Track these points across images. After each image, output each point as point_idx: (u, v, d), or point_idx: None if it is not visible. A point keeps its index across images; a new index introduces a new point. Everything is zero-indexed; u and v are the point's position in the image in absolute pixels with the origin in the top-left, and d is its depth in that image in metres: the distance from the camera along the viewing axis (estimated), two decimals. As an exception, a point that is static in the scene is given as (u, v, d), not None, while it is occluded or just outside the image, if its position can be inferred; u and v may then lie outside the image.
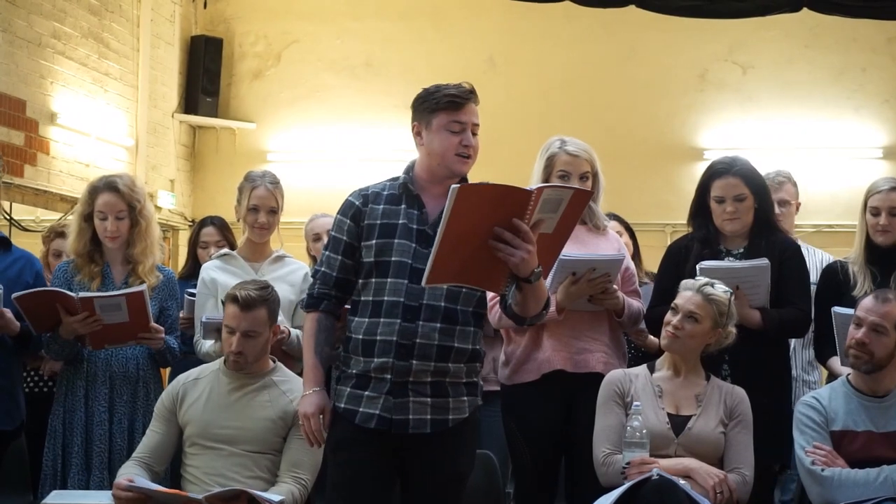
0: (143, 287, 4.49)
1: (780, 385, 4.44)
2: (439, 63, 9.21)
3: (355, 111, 9.87)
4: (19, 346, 4.61)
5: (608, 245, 4.45)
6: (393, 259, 3.55)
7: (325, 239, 3.78)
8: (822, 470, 3.91)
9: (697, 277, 4.15)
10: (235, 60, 10.25)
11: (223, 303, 4.21)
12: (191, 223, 9.66)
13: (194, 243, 5.95)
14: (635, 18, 8.48)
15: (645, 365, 4.19)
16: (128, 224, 4.65)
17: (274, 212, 4.79)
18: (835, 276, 4.59)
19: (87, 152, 8.64)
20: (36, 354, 4.88)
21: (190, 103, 10.00)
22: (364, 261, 3.61)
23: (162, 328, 4.57)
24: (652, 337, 4.65)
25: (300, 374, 4.47)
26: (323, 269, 3.68)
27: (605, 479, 3.95)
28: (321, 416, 3.58)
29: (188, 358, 4.85)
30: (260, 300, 4.07)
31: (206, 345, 4.61)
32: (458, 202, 3.15)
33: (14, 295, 4.36)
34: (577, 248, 4.33)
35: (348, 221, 3.65)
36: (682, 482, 3.71)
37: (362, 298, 3.59)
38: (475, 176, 3.83)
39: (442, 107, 3.57)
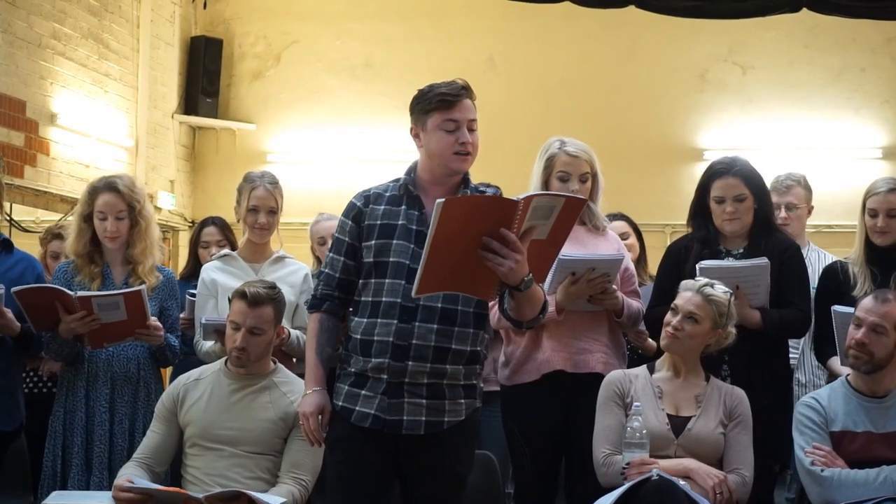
0: (142, 287, 4.49)
1: (780, 385, 4.44)
2: (439, 64, 9.21)
3: (355, 112, 9.87)
4: (20, 347, 4.61)
5: (607, 245, 4.45)
6: (391, 260, 3.56)
7: (331, 242, 3.79)
8: (822, 470, 3.91)
9: (697, 278, 4.14)
10: (235, 61, 10.26)
11: (230, 300, 4.20)
12: (191, 224, 9.67)
13: (195, 244, 5.95)
14: (635, 19, 8.49)
15: (645, 366, 4.19)
16: (127, 224, 4.65)
17: (274, 212, 4.79)
18: (835, 276, 4.59)
19: (87, 153, 8.64)
20: (36, 355, 4.88)
21: (190, 104, 10.01)
22: (364, 261, 3.62)
23: (160, 325, 4.57)
24: (651, 340, 4.65)
25: (300, 375, 4.49)
26: (326, 270, 3.70)
27: (604, 479, 3.95)
28: (320, 416, 3.58)
29: (189, 358, 4.86)
30: (268, 298, 4.09)
31: (207, 345, 4.62)
32: (444, 215, 3.15)
33: (14, 289, 4.36)
34: (577, 248, 4.33)
35: (350, 222, 3.67)
36: (681, 483, 3.71)
37: (362, 299, 3.60)
38: (476, 176, 3.84)
39: (434, 107, 3.56)
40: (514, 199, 3.23)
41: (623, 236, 5.29)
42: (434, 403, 3.56)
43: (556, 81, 9.60)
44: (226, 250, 5.12)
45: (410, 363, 3.52)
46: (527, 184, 4.46)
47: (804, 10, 7.73)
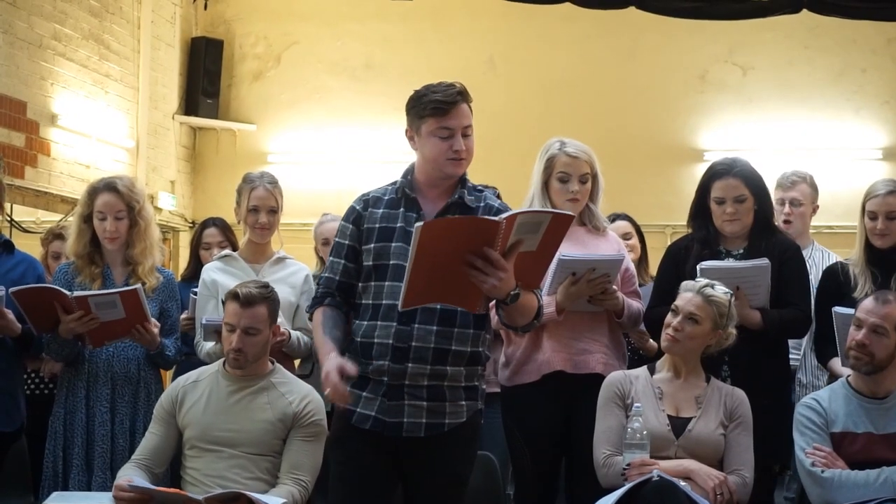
0: (138, 286, 4.48)
1: (780, 386, 4.44)
2: (439, 64, 9.20)
3: (355, 113, 9.87)
4: (21, 348, 4.61)
5: (608, 246, 4.45)
6: (391, 262, 3.56)
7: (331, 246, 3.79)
8: (823, 471, 3.91)
9: (698, 279, 4.14)
10: (236, 62, 10.26)
11: (223, 302, 4.21)
12: (191, 225, 9.67)
13: (196, 245, 5.95)
14: (635, 20, 8.50)
15: (645, 366, 4.19)
16: (127, 224, 4.65)
17: (274, 211, 4.79)
18: (835, 277, 4.59)
19: (88, 154, 8.64)
20: (37, 356, 4.88)
21: (190, 105, 10.01)
22: (364, 264, 3.62)
23: (157, 326, 4.55)
24: (652, 341, 4.65)
25: (301, 376, 4.49)
26: (327, 273, 3.70)
27: (605, 480, 3.95)
28: (341, 375, 3.45)
29: (190, 359, 4.86)
30: (260, 297, 4.07)
31: (207, 346, 4.62)
32: (423, 237, 3.16)
33: (12, 289, 4.36)
34: (577, 248, 4.33)
35: (350, 226, 3.67)
36: (682, 483, 3.71)
37: (363, 302, 3.61)
38: (476, 177, 3.84)
39: (429, 113, 3.55)
40: (496, 218, 3.23)
41: (625, 236, 5.29)
42: (434, 405, 3.57)
43: (556, 82, 9.60)
44: (227, 251, 5.12)
45: (410, 365, 3.52)
46: (527, 185, 4.47)
47: (804, 10, 7.75)
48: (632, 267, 4.59)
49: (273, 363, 4.20)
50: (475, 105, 3.66)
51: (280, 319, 4.56)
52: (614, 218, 5.43)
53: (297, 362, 5.01)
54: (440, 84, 3.59)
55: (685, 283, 4.12)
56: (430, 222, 3.24)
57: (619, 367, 4.31)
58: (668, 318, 4.05)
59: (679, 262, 4.45)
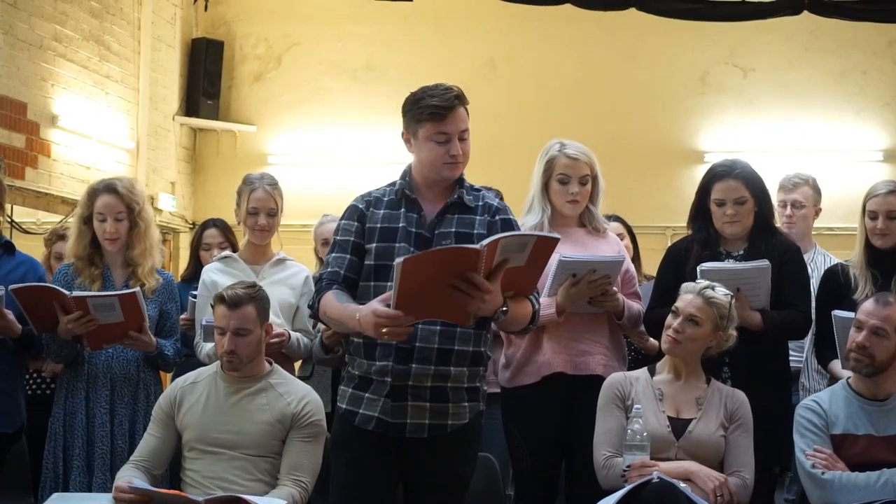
0: (137, 289, 4.48)
1: (780, 387, 4.44)
2: (440, 66, 9.21)
3: (356, 114, 9.87)
4: (21, 349, 4.61)
5: (608, 247, 4.45)
6: (394, 263, 3.54)
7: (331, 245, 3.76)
8: (823, 473, 3.91)
9: (698, 280, 4.14)
10: (236, 63, 10.27)
11: (212, 306, 4.20)
12: (191, 226, 9.68)
13: (196, 246, 5.95)
14: (636, 21, 8.50)
15: (645, 368, 4.18)
16: (127, 226, 4.65)
17: (273, 213, 4.78)
18: (836, 278, 4.59)
19: (88, 155, 8.65)
20: (38, 357, 4.88)
21: (191, 106, 10.01)
22: (365, 264, 3.62)
23: (149, 332, 4.54)
24: (652, 340, 4.65)
25: (300, 377, 4.49)
26: (331, 268, 3.64)
27: (605, 481, 3.94)
28: (378, 312, 3.31)
29: (190, 360, 4.85)
30: (247, 298, 4.06)
31: (207, 347, 4.61)
32: (404, 274, 3.16)
33: (11, 287, 4.36)
34: (578, 249, 4.33)
35: (355, 223, 3.66)
36: (682, 485, 3.71)
37: (363, 301, 3.54)
38: (477, 178, 3.85)
39: (426, 118, 3.54)
40: (476, 246, 3.22)
41: (619, 239, 5.28)
42: (438, 407, 3.57)
43: (557, 84, 9.60)
44: (226, 252, 5.12)
45: (414, 366, 3.52)
46: (527, 186, 4.46)
47: (805, 12, 7.75)
48: (632, 268, 4.59)
49: (271, 364, 4.19)
50: (475, 106, 3.66)
51: (280, 320, 4.57)
52: (606, 220, 5.42)
53: (297, 364, 5.00)
54: (437, 87, 3.58)
55: (685, 285, 4.12)
56: (410, 258, 3.22)
57: (619, 369, 4.30)
58: (669, 319, 4.05)
59: (679, 264, 4.45)
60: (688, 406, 4.03)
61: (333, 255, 3.68)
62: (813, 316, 4.57)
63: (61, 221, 7.64)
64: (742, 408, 4.03)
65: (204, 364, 4.48)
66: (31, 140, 7.95)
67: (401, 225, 3.61)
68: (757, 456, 4.00)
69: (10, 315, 4.42)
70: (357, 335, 3.59)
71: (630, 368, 4.38)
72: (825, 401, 4.08)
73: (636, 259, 5.62)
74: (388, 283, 3.52)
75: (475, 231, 3.62)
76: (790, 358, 4.75)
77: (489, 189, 3.92)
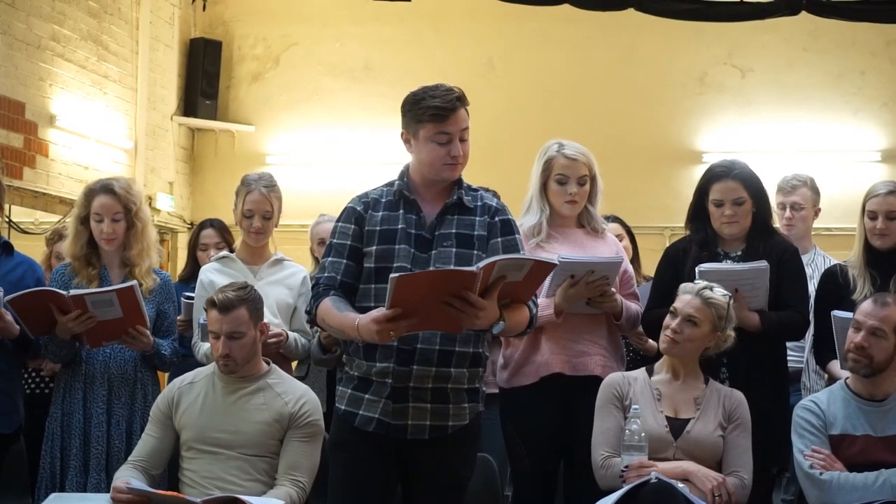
0: (134, 283, 4.47)
1: (778, 388, 4.43)
2: (438, 66, 9.21)
3: (354, 114, 9.87)
4: (19, 350, 4.61)
5: (606, 248, 4.45)
6: (394, 265, 3.53)
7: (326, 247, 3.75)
8: (821, 474, 3.91)
9: (696, 281, 4.14)
10: (234, 63, 10.26)
11: (205, 309, 4.19)
12: (189, 226, 9.67)
13: (194, 246, 5.95)
14: (634, 22, 8.50)
15: (643, 368, 4.18)
16: (124, 226, 4.64)
17: (269, 216, 4.76)
18: (834, 279, 4.59)
19: (86, 155, 8.64)
20: (37, 357, 4.87)
21: (189, 106, 10.01)
22: (364, 266, 3.60)
23: (147, 330, 4.54)
24: (651, 341, 4.65)
25: (296, 377, 4.49)
26: (327, 273, 3.62)
27: (603, 482, 3.94)
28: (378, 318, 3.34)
29: (187, 361, 4.85)
30: (238, 300, 4.04)
31: (205, 347, 4.60)
32: (398, 290, 3.18)
33: (6, 298, 4.35)
34: (576, 250, 4.33)
35: (352, 226, 3.63)
36: (680, 485, 3.70)
37: (363, 304, 3.55)
38: (476, 179, 3.85)
39: (427, 119, 3.53)
40: (472, 269, 3.24)
41: (616, 238, 5.28)
42: (438, 408, 3.57)
43: (555, 84, 9.60)
44: (224, 252, 5.12)
45: (415, 367, 3.52)
46: (525, 187, 4.47)
47: (803, 12, 7.75)
48: (630, 269, 4.59)
49: (269, 364, 4.19)
50: (473, 107, 3.65)
51: (277, 321, 4.56)
52: (605, 220, 5.41)
53: (293, 365, 5.00)
54: (438, 88, 3.57)
55: (684, 286, 4.12)
56: (406, 276, 3.23)
57: (617, 369, 4.30)
58: (667, 319, 4.05)
59: (677, 264, 4.45)
60: (686, 406, 4.03)
61: (330, 259, 3.64)
62: (811, 317, 4.57)
63: (60, 221, 7.63)
64: (740, 408, 4.03)
65: (202, 364, 4.48)
66: (30, 140, 7.95)
67: (400, 226, 3.60)
68: (755, 456, 4.00)
69: (9, 316, 4.41)
70: None
71: (628, 369, 4.38)
72: (823, 401, 4.08)
73: (636, 260, 5.62)
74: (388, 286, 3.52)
75: (475, 232, 3.62)
76: (791, 358, 4.76)
77: (486, 189, 3.92)
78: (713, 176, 4.46)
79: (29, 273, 4.65)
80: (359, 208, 3.66)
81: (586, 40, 9.57)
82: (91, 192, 4.67)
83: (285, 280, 4.75)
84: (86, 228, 4.67)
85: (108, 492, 3.93)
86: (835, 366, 4.44)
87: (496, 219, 3.68)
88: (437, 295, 3.24)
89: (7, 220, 7.64)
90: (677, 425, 3.98)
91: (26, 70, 7.92)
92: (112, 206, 4.62)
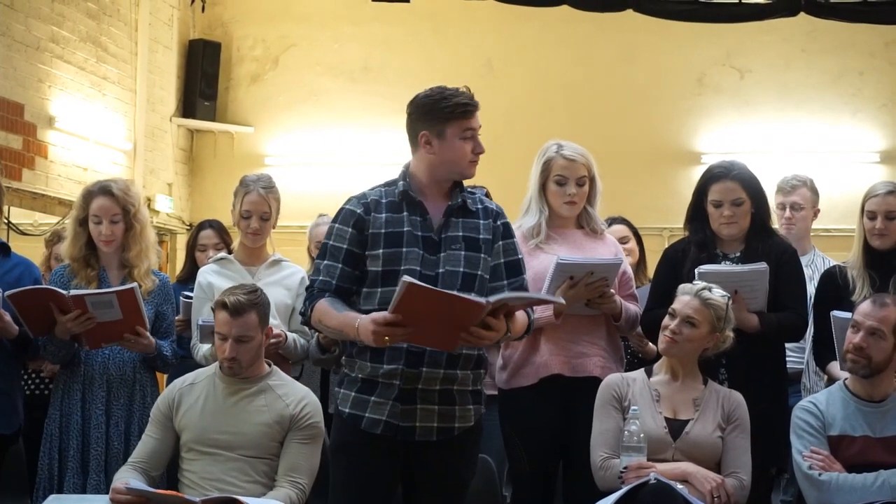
0: (134, 284, 4.47)
1: (777, 388, 4.43)
2: (437, 67, 9.21)
3: (353, 115, 9.87)
4: (18, 350, 4.61)
5: (605, 249, 4.45)
6: (403, 268, 3.52)
7: (321, 249, 3.72)
8: (820, 474, 3.91)
9: (695, 282, 4.14)
10: (233, 64, 10.26)
11: (213, 309, 4.18)
12: (188, 227, 9.67)
13: (192, 247, 5.95)
14: (633, 22, 8.49)
15: (642, 369, 4.18)
16: (122, 228, 4.64)
17: (267, 217, 4.76)
18: (833, 280, 4.58)
19: (85, 156, 8.64)
20: (36, 358, 4.87)
21: (188, 107, 10.01)
22: (370, 269, 3.57)
23: (147, 332, 4.54)
24: (651, 344, 4.65)
25: (296, 377, 4.49)
26: (321, 277, 3.60)
27: (602, 483, 3.94)
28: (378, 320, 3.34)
29: (186, 362, 4.85)
30: (249, 304, 4.03)
31: (204, 348, 4.61)
32: (406, 296, 3.21)
33: (7, 293, 4.35)
34: (575, 251, 4.33)
35: (350, 230, 3.60)
36: (679, 486, 3.70)
37: (367, 307, 3.52)
38: (473, 180, 3.84)
39: (457, 115, 3.56)
40: (482, 301, 3.28)
41: (623, 240, 5.28)
42: (445, 410, 3.59)
43: (554, 85, 9.60)
44: (222, 253, 5.12)
45: (424, 369, 3.52)
46: (524, 188, 4.46)
47: (802, 13, 7.75)
48: (629, 270, 4.59)
49: (270, 365, 4.18)
50: (472, 107, 3.67)
51: (276, 322, 4.56)
52: (611, 222, 5.42)
53: (292, 364, 4.99)
54: (450, 88, 3.61)
55: (682, 287, 4.12)
56: (418, 285, 3.24)
57: (616, 370, 4.30)
58: (666, 320, 4.05)
59: (676, 265, 4.45)
60: (685, 407, 4.03)
61: (325, 262, 3.62)
62: (810, 318, 4.57)
63: (59, 222, 7.63)
64: (739, 409, 4.03)
65: (200, 365, 4.48)
66: (28, 141, 7.95)
67: (406, 229, 3.58)
68: (754, 457, 4.00)
69: (7, 316, 4.41)
70: None
71: (628, 370, 4.38)
72: (822, 402, 4.09)
73: (642, 261, 5.62)
74: (396, 288, 3.51)
75: (481, 235, 3.65)
76: (791, 359, 4.76)
77: (475, 187, 3.94)
78: (712, 177, 4.46)
79: (26, 274, 4.66)
80: (358, 211, 3.62)
81: (585, 41, 9.57)
82: (89, 194, 4.67)
83: (284, 281, 4.75)
84: (84, 230, 4.67)
85: (107, 493, 3.93)
86: (834, 367, 4.44)
87: (499, 223, 3.71)
88: (441, 315, 3.28)
89: (6, 221, 7.65)
90: (676, 426, 3.98)
91: (25, 71, 7.92)
92: (111, 207, 4.62)
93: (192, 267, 5.74)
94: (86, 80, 8.66)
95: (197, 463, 4.03)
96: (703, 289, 4.04)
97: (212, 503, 3.66)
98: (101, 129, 8.83)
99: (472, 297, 3.34)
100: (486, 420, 3.89)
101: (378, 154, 9.40)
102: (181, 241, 9.49)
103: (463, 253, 3.59)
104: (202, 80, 9.97)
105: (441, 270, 3.55)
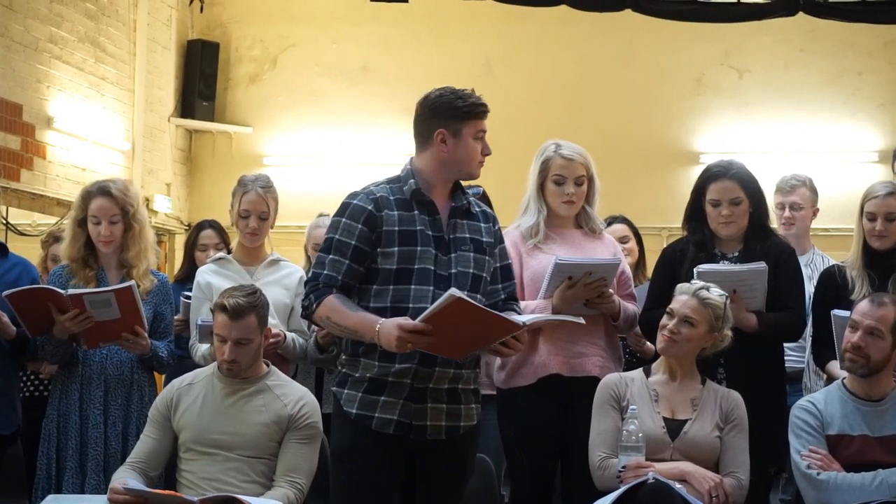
0: (132, 283, 4.47)
1: (776, 388, 4.43)
2: (436, 67, 9.22)
3: (351, 115, 9.88)
4: (16, 351, 4.61)
5: (604, 249, 4.45)
6: (416, 266, 3.53)
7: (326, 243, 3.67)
8: (818, 474, 3.91)
9: (693, 281, 4.14)
10: (232, 64, 10.26)
11: (212, 311, 4.17)
12: (187, 227, 9.67)
13: (192, 246, 5.93)
14: (631, 22, 8.50)
15: (641, 369, 4.18)
16: (121, 228, 4.64)
17: (265, 217, 4.76)
18: (832, 280, 4.58)
19: (84, 156, 8.64)
20: (34, 358, 4.87)
21: (186, 107, 10.01)
22: (381, 267, 3.56)
23: (144, 332, 4.53)
24: (649, 344, 4.65)
25: (293, 376, 4.48)
26: (326, 271, 3.57)
27: (601, 482, 3.94)
28: (406, 327, 3.36)
29: (184, 362, 4.85)
30: (249, 307, 4.02)
31: (202, 348, 4.61)
32: (448, 308, 3.26)
33: (5, 293, 4.35)
34: (574, 251, 4.33)
35: (361, 227, 3.56)
36: (677, 486, 3.70)
37: (377, 305, 3.53)
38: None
39: (473, 116, 3.59)
40: (520, 322, 3.43)
41: (623, 239, 5.28)
42: (452, 409, 3.62)
43: (553, 85, 9.61)
44: (221, 253, 5.12)
45: (437, 369, 3.54)
46: (523, 187, 4.46)
47: (800, 13, 7.75)
48: (627, 270, 4.59)
49: (268, 365, 4.18)
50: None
51: (274, 321, 4.56)
52: (612, 221, 5.42)
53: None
54: (460, 89, 3.63)
55: (680, 286, 4.12)
56: (465, 302, 3.29)
57: (615, 370, 4.30)
58: (664, 320, 4.05)
59: (675, 265, 4.45)
60: (683, 407, 4.03)
61: (330, 256, 3.58)
62: (809, 318, 4.57)
63: (57, 223, 7.63)
64: (737, 408, 4.03)
65: (198, 365, 4.48)
66: (27, 142, 7.95)
67: (418, 228, 3.58)
68: (752, 457, 4.00)
69: (5, 317, 4.41)
70: None
71: (626, 370, 4.38)
72: (820, 401, 4.08)
73: (642, 261, 5.61)
74: (413, 286, 3.53)
75: (484, 238, 3.69)
76: (792, 359, 4.76)
77: (471, 186, 3.97)
78: (710, 176, 4.46)
79: (24, 274, 4.66)
80: (369, 207, 3.58)
81: (584, 41, 9.57)
82: (88, 195, 4.67)
83: (282, 280, 4.75)
84: (83, 230, 4.66)
85: (105, 493, 3.93)
86: (834, 366, 4.43)
87: (496, 227, 3.78)
88: (472, 329, 3.36)
89: (4, 221, 7.65)
90: (674, 426, 3.98)
91: (24, 72, 7.91)
92: (110, 208, 4.62)
93: (190, 267, 5.73)
94: (84, 80, 8.66)
95: (195, 463, 4.03)
96: (701, 288, 4.04)
97: (210, 503, 3.66)
98: (100, 129, 8.83)
99: (512, 317, 3.47)
100: (484, 420, 3.90)
101: (376, 154, 9.41)
102: (179, 242, 9.48)
103: (472, 254, 3.63)
104: (201, 80, 9.97)
105: (453, 271, 3.58)
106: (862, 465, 3.91)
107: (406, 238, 3.56)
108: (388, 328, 3.36)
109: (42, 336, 4.52)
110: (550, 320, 3.76)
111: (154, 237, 4.89)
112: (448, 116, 3.59)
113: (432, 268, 3.54)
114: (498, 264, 3.75)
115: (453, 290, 3.26)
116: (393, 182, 3.68)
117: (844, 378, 4.13)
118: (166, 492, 3.86)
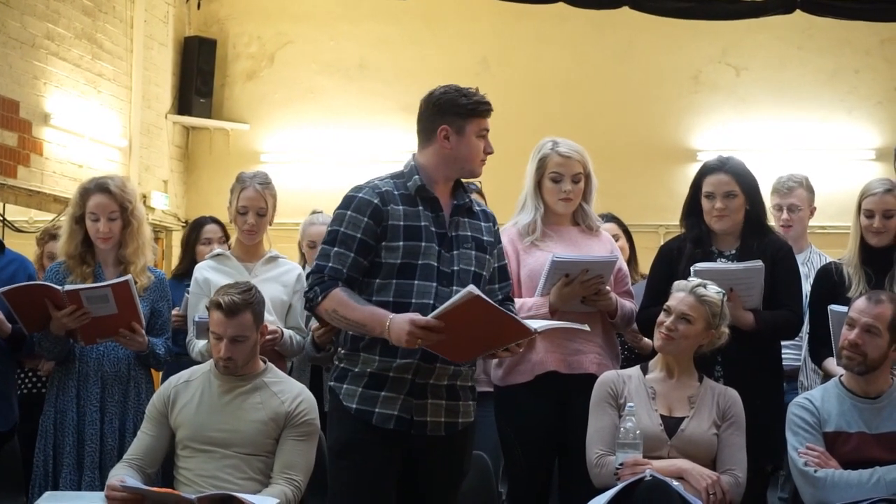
0: (129, 277, 4.46)
1: (773, 385, 4.44)
2: (433, 65, 9.22)
3: (349, 112, 9.87)
4: (12, 348, 4.60)
5: (601, 247, 4.45)
6: (420, 262, 3.55)
7: (331, 236, 3.64)
8: (815, 471, 3.91)
9: (690, 278, 4.14)
10: (229, 61, 10.25)
11: (207, 308, 4.17)
12: (184, 224, 9.66)
13: (193, 241, 5.91)
14: (629, 20, 8.51)
15: (638, 366, 4.18)
16: (119, 225, 4.64)
17: (263, 213, 4.75)
18: (829, 277, 4.58)
19: (81, 153, 8.63)
20: (30, 355, 4.86)
21: (183, 104, 10.00)
22: (385, 262, 3.56)
23: (142, 329, 4.53)
24: (646, 339, 4.65)
25: (289, 373, 4.48)
26: (331, 264, 3.56)
27: (598, 480, 3.95)
28: (419, 323, 3.37)
29: (181, 359, 4.84)
30: (244, 304, 4.01)
31: (200, 345, 4.60)
32: (464, 307, 3.28)
33: (2, 289, 4.35)
34: (571, 249, 4.33)
35: (367, 220, 3.56)
36: (675, 483, 3.71)
37: (380, 299, 3.54)
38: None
39: (477, 113, 3.61)
40: (532, 328, 3.46)
41: (612, 238, 5.27)
42: (451, 405, 3.63)
43: (550, 82, 9.61)
44: (219, 249, 5.10)
45: (438, 365, 3.55)
46: (520, 185, 4.46)
47: (798, 11, 7.76)
48: (625, 267, 4.59)
49: (265, 362, 4.18)
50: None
51: (272, 318, 4.56)
52: (602, 219, 5.41)
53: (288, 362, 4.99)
54: (464, 87, 3.64)
55: (677, 283, 4.12)
56: (482, 300, 3.31)
57: (612, 368, 4.30)
58: (661, 317, 4.05)
59: (672, 263, 4.45)
60: (680, 404, 4.03)
61: (335, 249, 3.57)
62: (806, 315, 4.57)
63: (54, 220, 7.63)
64: (734, 406, 4.03)
65: (196, 362, 4.47)
66: (24, 138, 7.94)
67: (423, 224, 3.60)
68: (749, 454, 4.01)
69: (1, 314, 4.41)
70: None
71: (623, 367, 4.38)
72: (817, 398, 4.09)
73: (633, 259, 5.61)
74: (416, 282, 3.54)
75: (485, 237, 3.72)
76: (789, 356, 4.76)
77: (469, 184, 3.98)
78: (706, 170, 4.46)
79: (21, 270, 4.66)
80: (375, 201, 3.58)
81: (581, 39, 9.57)
82: (86, 192, 4.66)
83: (280, 277, 4.74)
84: (81, 227, 4.66)
85: (102, 490, 3.93)
86: (831, 363, 4.43)
87: (495, 227, 3.81)
88: (482, 330, 3.38)
89: (1, 218, 7.65)
90: (672, 424, 3.98)
91: (20, 68, 7.91)
92: (108, 204, 4.62)
93: (189, 262, 5.70)
94: (81, 77, 8.65)
95: (192, 460, 4.03)
96: (698, 285, 4.05)
97: (208, 500, 3.66)
98: (97, 125, 8.82)
99: (525, 321, 3.49)
100: (481, 417, 3.90)
101: (374, 151, 9.39)
102: (176, 238, 9.47)
103: (474, 252, 3.66)
104: (198, 77, 9.97)
105: (456, 268, 3.60)
106: (859, 462, 3.91)
107: (411, 233, 3.57)
108: (399, 323, 3.37)
109: (39, 333, 4.51)
110: (558, 327, 3.79)
111: (151, 234, 4.89)
112: (452, 113, 3.61)
113: (435, 264, 3.56)
114: (496, 264, 3.78)
115: (471, 288, 3.27)
116: (396, 177, 3.69)
117: (841, 375, 4.14)
118: (164, 490, 3.86)
